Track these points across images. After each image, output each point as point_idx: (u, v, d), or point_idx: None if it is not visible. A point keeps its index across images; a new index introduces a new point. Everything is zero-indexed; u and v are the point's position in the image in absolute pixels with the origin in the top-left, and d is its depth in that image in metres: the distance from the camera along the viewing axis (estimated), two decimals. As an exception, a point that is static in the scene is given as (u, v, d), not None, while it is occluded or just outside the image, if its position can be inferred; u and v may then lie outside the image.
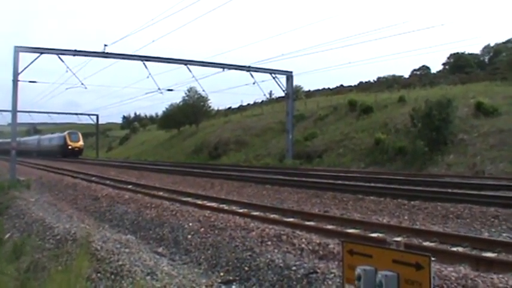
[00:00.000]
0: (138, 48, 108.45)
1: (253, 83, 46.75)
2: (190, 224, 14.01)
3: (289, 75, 48.09)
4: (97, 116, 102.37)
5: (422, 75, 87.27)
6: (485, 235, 12.59)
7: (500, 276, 8.03)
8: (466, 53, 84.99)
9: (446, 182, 23.03)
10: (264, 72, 46.92)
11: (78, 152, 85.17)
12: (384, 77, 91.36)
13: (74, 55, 39.58)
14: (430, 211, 15.88)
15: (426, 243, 11.59)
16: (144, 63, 42.08)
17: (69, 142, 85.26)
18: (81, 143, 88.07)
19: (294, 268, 8.96)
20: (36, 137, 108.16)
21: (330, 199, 19.61)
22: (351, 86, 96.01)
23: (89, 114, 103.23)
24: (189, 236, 12.69)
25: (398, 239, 11.81)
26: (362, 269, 4.02)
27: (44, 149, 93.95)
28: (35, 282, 8.87)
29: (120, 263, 9.78)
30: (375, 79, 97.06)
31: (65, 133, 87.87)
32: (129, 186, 26.86)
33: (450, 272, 8.05)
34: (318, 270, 8.62)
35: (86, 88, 44.14)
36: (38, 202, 21.08)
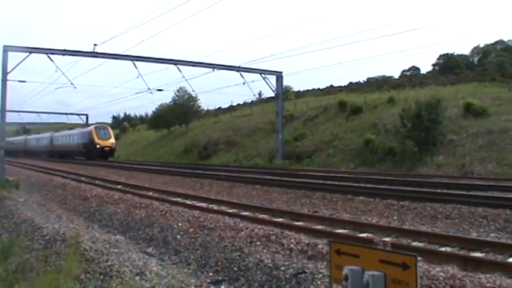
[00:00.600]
0: (128, 48, 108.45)
1: (243, 83, 46.91)
2: (180, 224, 14.02)
3: (279, 76, 48.17)
4: (87, 115, 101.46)
5: (412, 76, 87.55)
6: (474, 235, 12.64)
7: (488, 276, 8.09)
8: (456, 54, 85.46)
9: (435, 183, 23.13)
10: (254, 72, 46.99)
11: (110, 153, 67.04)
12: (373, 78, 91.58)
13: (64, 55, 39.52)
14: (419, 211, 15.93)
15: (415, 244, 11.62)
16: (134, 63, 42.10)
17: (96, 140, 65.97)
18: (112, 140, 68.69)
19: (282, 268, 8.98)
20: (47, 134, 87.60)
21: (320, 199, 19.63)
22: (340, 86, 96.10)
23: (78, 114, 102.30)
24: (179, 236, 12.69)
25: (387, 239, 11.89)
26: (349, 269, 4.04)
27: (60, 149, 77.14)
28: (23, 283, 8.84)
29: (109, 263, 9.76)
30: (365, 80, 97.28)
31: (91, 128, 69.29)
32: (119, 187, 26.78)
33: (438, 272, 8.09)
34: (307, 270, 8.64)
35: (75, 88, 43.96)
36: (27, 202, 20.97)
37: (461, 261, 9.50)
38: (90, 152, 65.40)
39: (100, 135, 66.78)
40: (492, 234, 12.64)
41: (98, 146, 65.51)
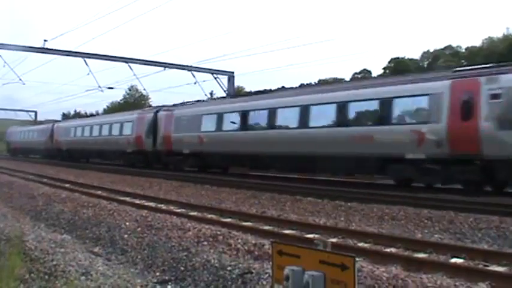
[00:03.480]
0: (79, 44, 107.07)
1: (195, 83, 46.75)
2: (127, 224, 13.96)
3: (230, 76, 48.25)
4: (35, 112, 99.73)
5: (363, 79, 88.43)
6: (418, 236, 12.85)
7: (430, 276, 8.28)
8: (406, 57, 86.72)
9: (383, 184, 23.48)
10: (205, 72, 47.00)
11: None
12: (324, 80, 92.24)
13: (12, 49, 38.82)
14: (366, 212, 16.14)
15: (361, 244, 11.76)
16: (84, 60, 41.75)
17: None
18: None
19: (229, 268, 9.04)
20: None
21: (268, 200, 19.74)
22: (292, 87, 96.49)
23: (27, 111, 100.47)
24: (126, 236, 12.62)
25: (334, 240, 12.03)
26: (290, 269, 4.11)
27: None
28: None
29: (55, 262, 9.65)
30: (316, 81, 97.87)
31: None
32: (67, 185, 26.45)
33: (382, 272, 8.26)
34: (253, 271, 8.72)
35: (24, 84, 43.11)
36: (-30, 201, 20.58)
37: (405, 261, 9.67)
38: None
39: None
40: (436, 235, 12.86)
41: None
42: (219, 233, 12.17)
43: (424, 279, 8.01)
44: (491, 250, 10.86)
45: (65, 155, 55.49)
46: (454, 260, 10.05)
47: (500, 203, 16.23)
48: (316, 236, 12.77)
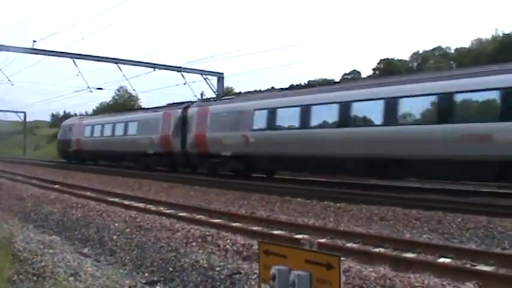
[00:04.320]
0: (68, 45, 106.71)
1: (184, 84, 46.74)
2: (116, 225, 13.97)
3: (220, 77, 48.27)
4: (24, 113, 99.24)
5: (353, 79, 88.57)
6: (407, 236, 12.87)
7: (418, 275, 8.33)
8: (396, 59, 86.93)
9: (372, 185, 23.56)
10: (195, 73, 47.01)
11: None
12: (314, 80, 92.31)
13: (1, 50, 38.69)
14: (355, 213, 16.19)
15: (349, 245, 11.79)
16: (74, 61, 41.63)
17: None
18: None
19: (217, 269, 9.07)
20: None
21: (257, 201, 19.75)
22: (282, 88, 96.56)
23: (16, 112, 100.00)
24: (115, 237, 12.61)
25: (323, 240, 12.07)
26: (276, 269, 4.14)
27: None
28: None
29: (43, 264, 9.63)
30: (306, 82, 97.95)
31: None
32: (56, 186, 26.37)
33: (370, 272, 8.30)
34: (242, 271, 8.75)
35: (13, 85, 42.91)
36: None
37: (393, 261, 9.71)
38: None
39: None
40: (425, 236, 12.90)
41: None
42: (208, 233, 12.20)
43: (412, 278, 8.05)
44: (478, 250, 10.91)
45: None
46: (441, 260, 10.10)
47: (488, 204, 16.35)
48: (306, 236, 12.84)
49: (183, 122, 34.09)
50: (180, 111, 35.08)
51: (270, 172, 30.22)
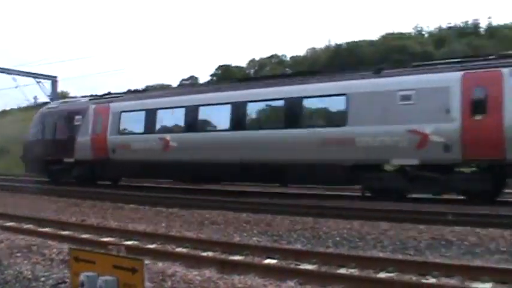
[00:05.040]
0: None
1: (16, 87, 45.00)
2: None
3: (53, 80, 46.94)
4: None
5: (190, 85, 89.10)
6: (237, 239, 13.10)
7: (242, 277, 8.51)
8: (233, 65, 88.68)
9: (204, 189, 23.81)
10: (27, 76, 45.36)
11: None
12: (152, 86, 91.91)
13: None
14: (187, 218, 16.27)
15: (179, 249, 11.82)
16: None
17: None
18: None
19: (42, 279, 8.76)
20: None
21: (90, 207, 19.40)
22: (118, 93, 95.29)
23: None
24: None
25: (153, 246, 12.06)
26: (85, 276, 4.07)
27: None
28: None
29: None
30: (144, 87, 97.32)
31: None
32: None
33: (195, 276, 8.39)
34: (67, 280, 8.50)
35: None
36: None
37: (220, 264, 9.84)
38: None
39: None
40: (254, 238, 13.19)
41: None
42: (33, 243, 11.79)
43: (236, 280, 8.21)
44: (303, 250, 11.36)
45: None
46: (267, 261, 10.38)
47: (314, 205, 17.04)
48: (136, 242, 12.75)
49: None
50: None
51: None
